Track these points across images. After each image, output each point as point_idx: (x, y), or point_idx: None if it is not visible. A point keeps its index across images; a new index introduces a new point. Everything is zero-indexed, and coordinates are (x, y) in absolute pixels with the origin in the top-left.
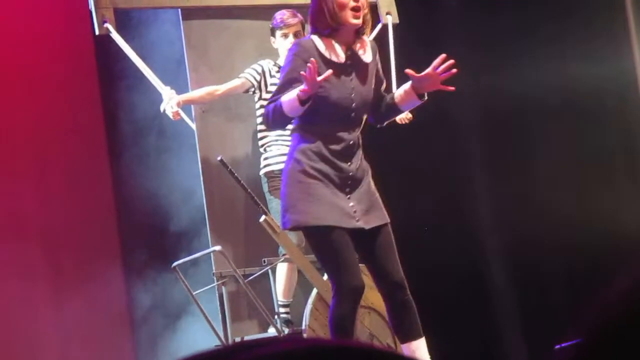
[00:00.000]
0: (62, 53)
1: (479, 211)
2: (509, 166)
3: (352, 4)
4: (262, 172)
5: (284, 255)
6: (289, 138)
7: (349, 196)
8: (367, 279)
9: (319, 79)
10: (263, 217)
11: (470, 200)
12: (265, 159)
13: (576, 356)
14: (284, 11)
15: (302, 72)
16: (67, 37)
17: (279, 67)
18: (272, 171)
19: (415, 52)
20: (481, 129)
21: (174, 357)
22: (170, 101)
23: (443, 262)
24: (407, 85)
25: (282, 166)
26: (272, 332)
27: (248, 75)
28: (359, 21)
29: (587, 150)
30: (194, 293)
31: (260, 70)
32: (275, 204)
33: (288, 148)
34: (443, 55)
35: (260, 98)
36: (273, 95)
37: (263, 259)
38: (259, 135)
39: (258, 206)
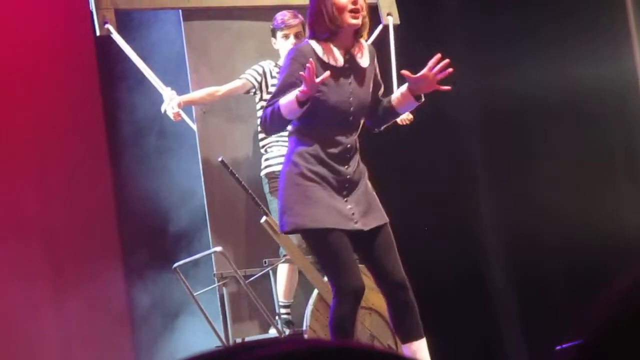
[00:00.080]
0: (62, 54)
1: (479, 211)
2: (509, 166)
3: (351, 6)
4: (262, 173)
5: (284, 256)
6: None
7: (346, 199)
8: (368, 280)
9: (318, 80)
10: (264, 218)
11: (470, 200)
12: (266, 159)
13: (577, 357)
14: (284, 12)
15: (301, 73)
16: (68, 37)
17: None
18: (273, 172)
19: (416, 53)
20: (481, 129)
21: (174, 358)
22: (171, 102)
23: (443, 262)
24: (403, 88)
25: None
26: (273, 333)
27: (249, 76)
28: (359, 21)
29: (588, 150)
30: (194, 294)
31: (261, 71)
32: (276, 205)
33: None
34: (438, 56)
35: (261, 99)
36: (270, 99)
37: (264, 260)
38: (260, 136)
39: (259, 207)
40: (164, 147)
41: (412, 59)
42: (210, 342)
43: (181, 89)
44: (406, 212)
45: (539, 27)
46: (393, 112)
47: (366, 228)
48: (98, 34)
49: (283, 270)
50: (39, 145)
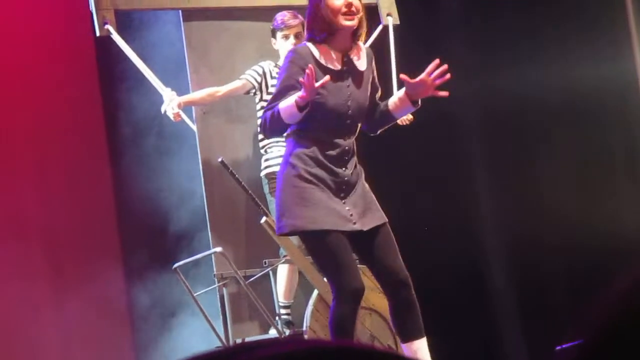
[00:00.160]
0: (62, 54)
1: (479, 211)
2: (509, 166)
3: (344, 9)
4: (262, 173)
5: (284, 256)
6: None
7: (344, 200)
8: (368, 280)
9: (317, 85)
10: (264, 219)
11: (470, 200)
12: (266, 160)
13: (577, 357)
14: (284, 12)
15: (300, 79)
16: (68, 38)
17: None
18: (273, 172)
19: (416, 53)
20: (481, 129)
21: (173, 358)
22: (171, 102)
23: (443, 262)
24: (400, 93)
25: None
26: (273, 333)
27: (249, 76)
28: (354, 23)
29: (588, 150)
30: (194, 294)
31: (261, 72)
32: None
33: None
34: (437, 61)
35: (261, 99)
36: (270, 103)
37: (264, 260)
38: (260, 136)
39: (259, 207)
40: (164, 147)
41: (412, 60)
42: (210, 343)
43: (181, 90)
44: (406, 212)
45: (539, 28)
46: (390, 117)
47: (365, 228)
48: (98, 34)
49: (283, 270)
50: (39, 145)
